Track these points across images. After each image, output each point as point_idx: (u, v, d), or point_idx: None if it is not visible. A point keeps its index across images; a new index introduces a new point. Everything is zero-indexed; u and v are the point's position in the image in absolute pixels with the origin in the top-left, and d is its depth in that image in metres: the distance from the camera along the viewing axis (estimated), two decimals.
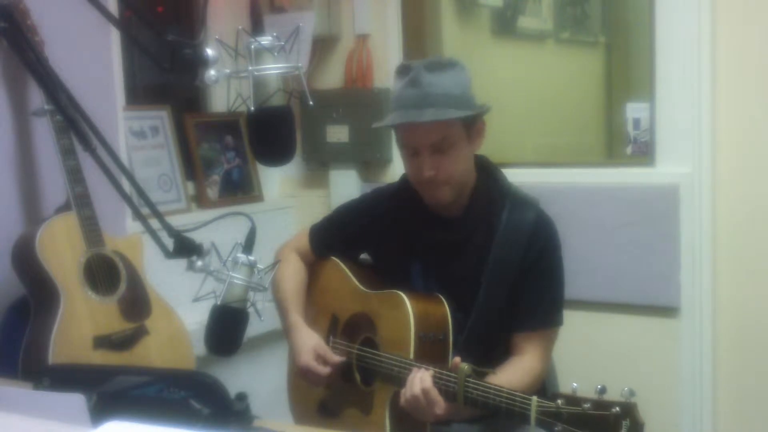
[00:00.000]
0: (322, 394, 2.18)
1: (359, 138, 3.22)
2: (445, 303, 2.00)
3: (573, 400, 1.54)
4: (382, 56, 3.23)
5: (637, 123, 2.93)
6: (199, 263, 1.51)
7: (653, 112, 2.80)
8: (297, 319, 2.16)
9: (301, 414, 2.27)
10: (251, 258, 1.53)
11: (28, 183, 2.33)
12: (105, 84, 2.57)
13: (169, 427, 1.20)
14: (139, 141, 2.97)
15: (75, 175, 2.15)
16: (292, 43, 1.47)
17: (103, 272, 2.19)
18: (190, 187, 3.16)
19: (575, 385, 1.56)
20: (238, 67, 1.46)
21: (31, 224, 2.25)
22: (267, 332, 2.53)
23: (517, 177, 2.16)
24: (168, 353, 2.28)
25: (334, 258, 2.24)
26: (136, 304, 2.25)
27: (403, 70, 2.00)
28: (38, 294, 2.13)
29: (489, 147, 2.10)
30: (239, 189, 3.32)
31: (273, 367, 2.50)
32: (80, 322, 2.11)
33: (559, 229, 2.06)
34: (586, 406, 1.51)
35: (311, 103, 1.52)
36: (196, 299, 1.50)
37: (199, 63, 1.45)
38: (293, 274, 2.25)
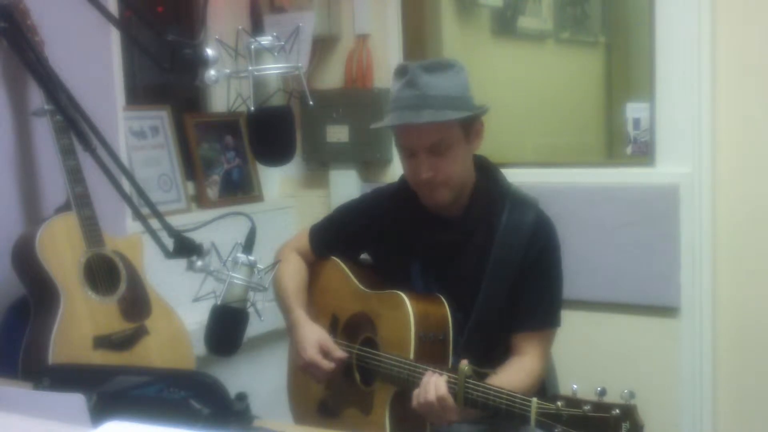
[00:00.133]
0: (322, 394, 2.18)
1: (359, 138, 3.22)
2: (445, 303, 2.00)
3: (573, 401, 1.54)
4: (382, 56, 3.23)
5: (637, 123, 2.93)
6: (199, 263, 1.51)
7: (653, 112, 2.80)
8: (301, 314, 2.15)
9: (301, 414, 2.27)
10: (251, 258, 1.53)
11: (28, 183, 2.33)
12: (105, 84, 2.57)
13: (169, 427, 1.20)
14: (139, 141, 2.97)
15: (75, 175, 2.15)
16: (292, 43, 1.47)
17: (103, 272, 2.19)
18: (190, 187, 3.16)
19: (575, 386, 1.56)
20: (238, 67, 1.46)
21: (31, 224, 2.25)
22: (267, 332, 2.53)
23: (517, 177, 2.16)
24: (168, 353, 2.27)
25: (334, 258, 2.24)
26: (136, 304, 2.25)
27: (400, 71, 1.99)
28: (38, 294, 2.13)
29: (489, 147, 2.09)
30: (239, 189, 3.32)
31: (273, 367, 2.49)
32: (80, 322, 2.11)
33: (559, 229, 2.06)
34: (586, 407, 1.51)
35: (311, 103, 1.52)
36: (196, 299, 1.50)
37: (199, 63, 1.45)
38: (294, 273, 2.24)
